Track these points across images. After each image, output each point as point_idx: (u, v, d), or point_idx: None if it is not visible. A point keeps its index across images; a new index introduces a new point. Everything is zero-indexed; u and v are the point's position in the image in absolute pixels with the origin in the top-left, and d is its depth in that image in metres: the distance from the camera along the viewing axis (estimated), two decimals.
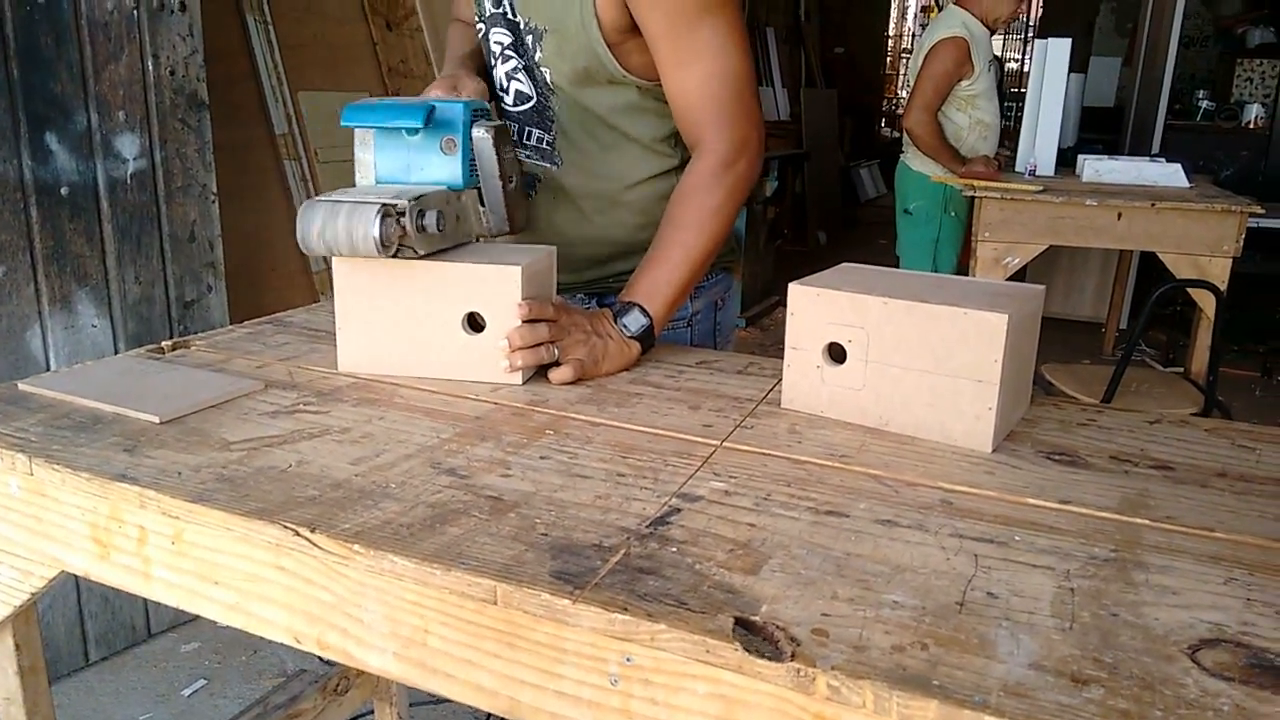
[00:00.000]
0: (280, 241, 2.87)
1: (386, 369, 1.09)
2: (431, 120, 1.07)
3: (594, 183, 1.29)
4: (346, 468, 0.84)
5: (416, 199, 1.00)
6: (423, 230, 1.00)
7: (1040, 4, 10.21)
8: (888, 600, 0.63)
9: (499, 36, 1.27)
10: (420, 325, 1.06)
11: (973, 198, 3.28)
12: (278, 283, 2.88)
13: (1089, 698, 0.53)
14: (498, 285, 1.04)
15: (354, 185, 1.10)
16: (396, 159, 1.10)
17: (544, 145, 1.29)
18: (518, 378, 1.07)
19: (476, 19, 1.31)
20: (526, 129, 1.30)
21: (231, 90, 2.68)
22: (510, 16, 1.24)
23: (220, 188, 2.36)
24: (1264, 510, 0.79)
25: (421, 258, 1.02)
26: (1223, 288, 2.87)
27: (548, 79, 1.24)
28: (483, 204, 1.13)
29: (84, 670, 2.22)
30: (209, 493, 0.78)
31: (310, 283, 2.97)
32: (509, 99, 1.30)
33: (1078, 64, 3.96)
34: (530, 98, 1.28)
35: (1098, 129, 5.51)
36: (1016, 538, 0.73)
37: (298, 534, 0.72)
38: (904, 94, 3.86)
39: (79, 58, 2.03)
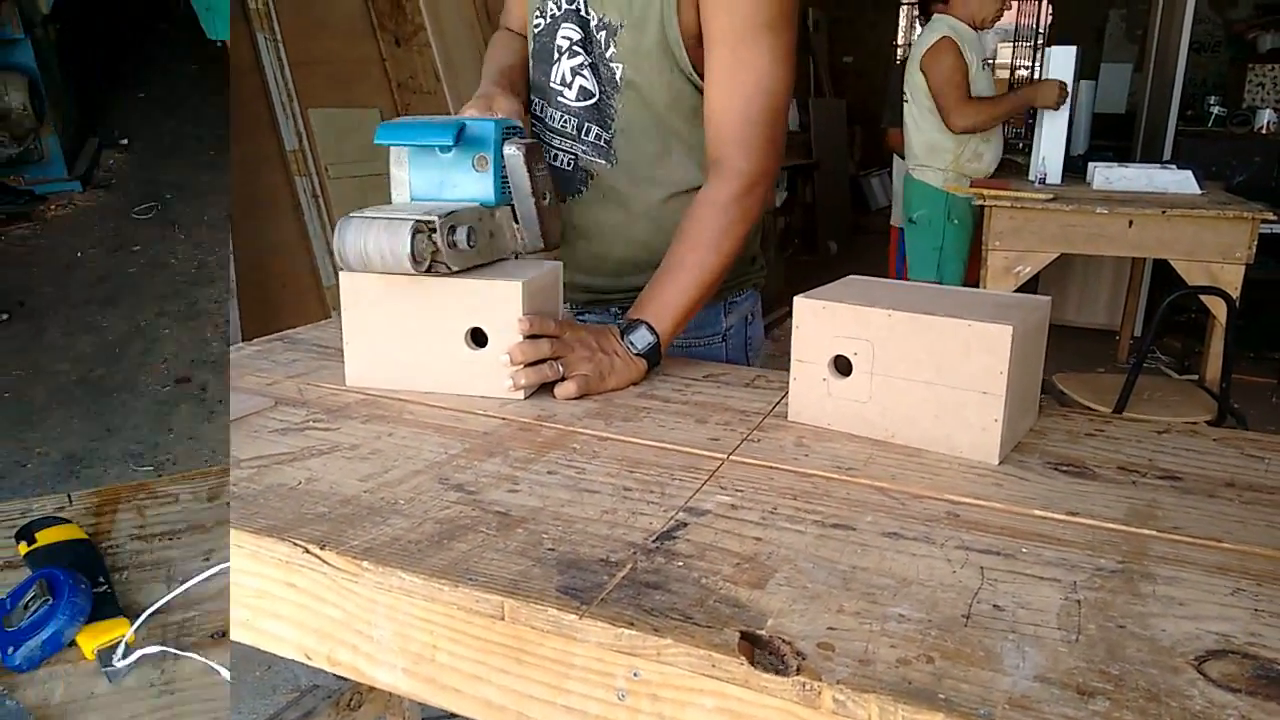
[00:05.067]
0: (291, 256, 2.89)
1: (393, 384, 1.09)
2: (462, 138, 1.09)
3: (643, 185, 1.31)
4: (355, 484, 0.84)
5: (448, 215, 1.01)
6: (454, 246, 1.01)
7: (1050, 11, 10.20)
8: (893, 614, 0.63)
9: (568, 32, 1.29)
10: (425, 340, 1.07)
11: (982, 206, 3.28)
12: (288, 297, 2.90)
13: (1094, 710, 0.53)
14: (500, 300, 1.04)
15: (389, 202, 1.12)
16: (430, 176, 1.12)
17: (601, 142, 1.32)
18: (520, 393, 1.07)
19: (537, 18, 1.33)
20: (586, 125, 1.32)
21: (242, 107, 2.70)
22: (582, 13, 1.27)
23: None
24: (1272, 520, 0.79)
25: (455, 274, 1.03)
26: (1236, 294, 2.86)
27: (617, 75, 1.27)
28: (516, 221, 1.14)
29: None
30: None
31: (321, 297, 2.99)
32: (571, 94, 1.32)
33: (1088, 70, 3.95)
34: (593, 94, 1.30)
35: (1110, 135, 5.49)
36: (1023, 550, 0.73)
37: (308, 551, 0.73)
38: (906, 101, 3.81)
39: None
